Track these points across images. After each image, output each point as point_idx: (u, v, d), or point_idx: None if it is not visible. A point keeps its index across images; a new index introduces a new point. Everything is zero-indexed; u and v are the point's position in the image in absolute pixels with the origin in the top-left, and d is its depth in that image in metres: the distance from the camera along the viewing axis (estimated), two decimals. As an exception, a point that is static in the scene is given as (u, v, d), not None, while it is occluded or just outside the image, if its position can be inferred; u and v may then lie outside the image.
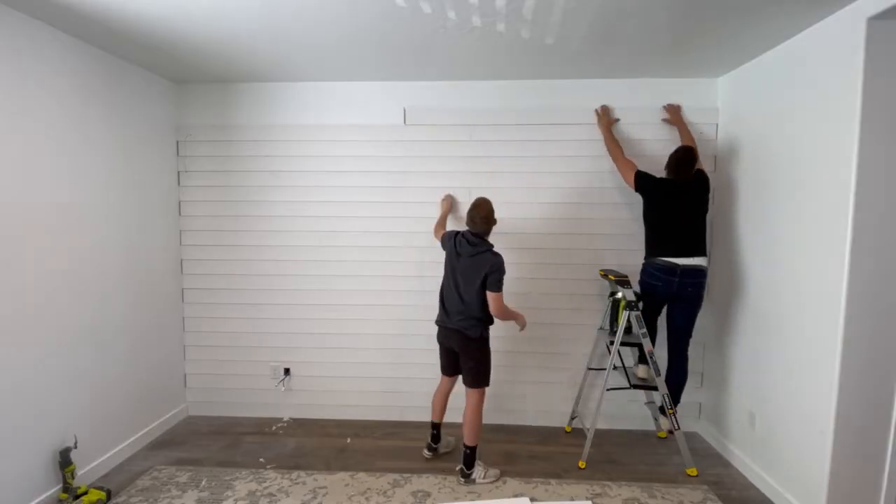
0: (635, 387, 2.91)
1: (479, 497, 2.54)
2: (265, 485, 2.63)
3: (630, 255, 3.23)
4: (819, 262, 2.23)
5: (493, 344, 2.76)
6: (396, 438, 3.15)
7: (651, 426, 3.31)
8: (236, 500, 2.49)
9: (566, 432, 3.30)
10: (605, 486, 2.65)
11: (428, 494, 2.56)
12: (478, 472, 2.67)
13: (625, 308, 2.78)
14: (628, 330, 2.79)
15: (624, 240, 3.23)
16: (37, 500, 2.31)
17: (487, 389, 2.71)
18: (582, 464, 2.84)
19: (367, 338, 3.43)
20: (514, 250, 3.29)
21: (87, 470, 2.60)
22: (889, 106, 1.98)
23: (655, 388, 2.82)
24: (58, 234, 2.45)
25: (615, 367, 2.85)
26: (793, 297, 2.42)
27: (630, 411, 3.33)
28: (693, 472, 2.77)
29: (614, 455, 2.99)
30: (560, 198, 3.26)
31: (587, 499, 2.53)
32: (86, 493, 2.41)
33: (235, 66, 3.00)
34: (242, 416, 3.50)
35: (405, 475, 2.73)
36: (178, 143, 3.40)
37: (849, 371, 2.09)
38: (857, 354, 2.08)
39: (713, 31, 2.39)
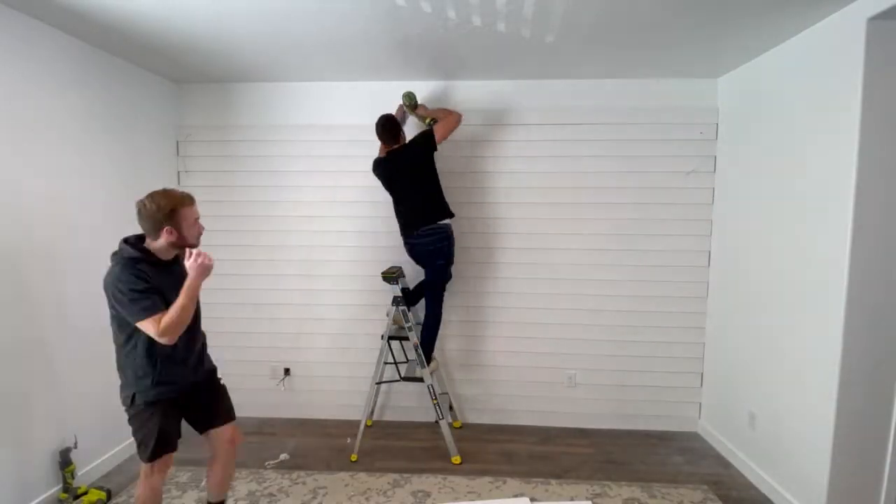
0: (405, 379, 3.04)
1: (479, 497, 2.54)
2: (265, 485, 2.63)
3: (633, 254, 3.23)
4: (820, 261, 2.23)
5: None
6: (396, 438, 3.15)
7: (651, 426, 3.31)
8: (236, 500, 2.49)
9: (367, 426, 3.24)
10: (605, 486, 2.65)
11: (428, 494, 2.56)
12: None
13: (392, 303, 2.95)
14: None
15: (627, 240, 3.23)
16: (37, 500, 2.31)
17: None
18: (354, 457, 2.89)
19: (368, 337, 3.43)
20: (513, 251, 3.29)
21: (87, 470, 2.60)
22: (889, 106, 1.98)
23: (421, 380, 2.90)
24: (57, 233, 2.44)
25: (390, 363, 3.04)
26: (793, 296, 2.42)
27: (629, 411, 3.33)
28: (457, 460, 2.83)
29: (614, 455, 2.99)
30: (559, 198, 3.25)
31: (587, 499, 2.53)
32: (86, 493, 2.41)
33: (235, 66, 3.00)
34: (242, 416, 3.39)
35: (405, 475, 2.73)
36: (178, 143, 3.40)
37: (849, 371, 2.09)
38: (857, 354, 2.08)
39: (713, 31, 2.39)
